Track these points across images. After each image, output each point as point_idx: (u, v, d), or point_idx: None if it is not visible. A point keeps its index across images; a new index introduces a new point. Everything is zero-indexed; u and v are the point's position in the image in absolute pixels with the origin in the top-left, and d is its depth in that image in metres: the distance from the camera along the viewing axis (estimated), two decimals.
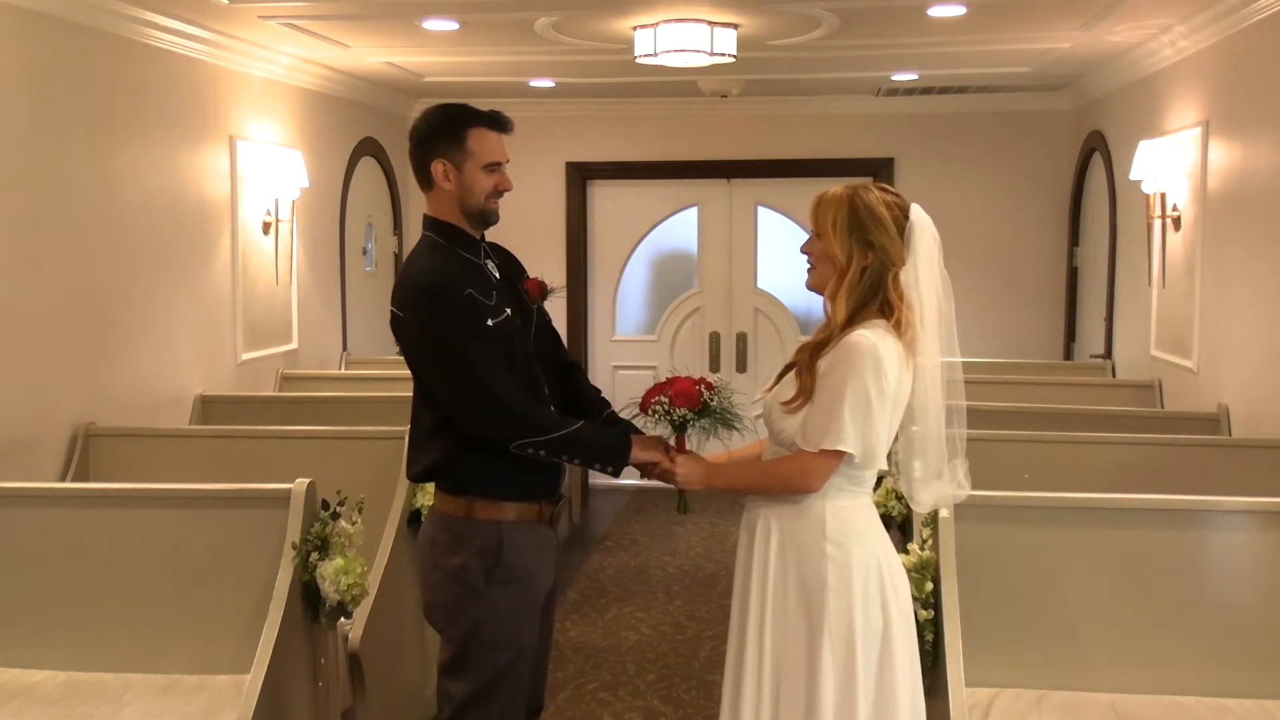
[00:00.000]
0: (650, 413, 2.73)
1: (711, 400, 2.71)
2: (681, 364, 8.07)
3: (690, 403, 2.69)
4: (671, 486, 2.75)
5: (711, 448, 2.82)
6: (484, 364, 2.65)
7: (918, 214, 2.61)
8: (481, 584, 2.72)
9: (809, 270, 2.67)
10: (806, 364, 2.58)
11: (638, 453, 2.73)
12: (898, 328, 2.54)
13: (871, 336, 2.50)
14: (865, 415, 2.49)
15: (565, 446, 2.69)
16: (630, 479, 2.77)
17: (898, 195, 2.64)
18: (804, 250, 2.68)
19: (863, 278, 2.57)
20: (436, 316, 2.66)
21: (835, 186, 2.63)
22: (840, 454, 2.51)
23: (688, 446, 2.75)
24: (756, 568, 2.64)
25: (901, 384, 2.55)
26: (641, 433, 2.83)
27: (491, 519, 2.74)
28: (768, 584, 2.61)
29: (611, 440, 2.75)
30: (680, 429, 2.72)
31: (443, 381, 2.70)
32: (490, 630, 2.73)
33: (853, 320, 2.55)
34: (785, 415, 2.59)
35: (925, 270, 2.58)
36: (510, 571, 2.74)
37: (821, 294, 2.66)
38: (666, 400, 2.71)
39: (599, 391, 3.04)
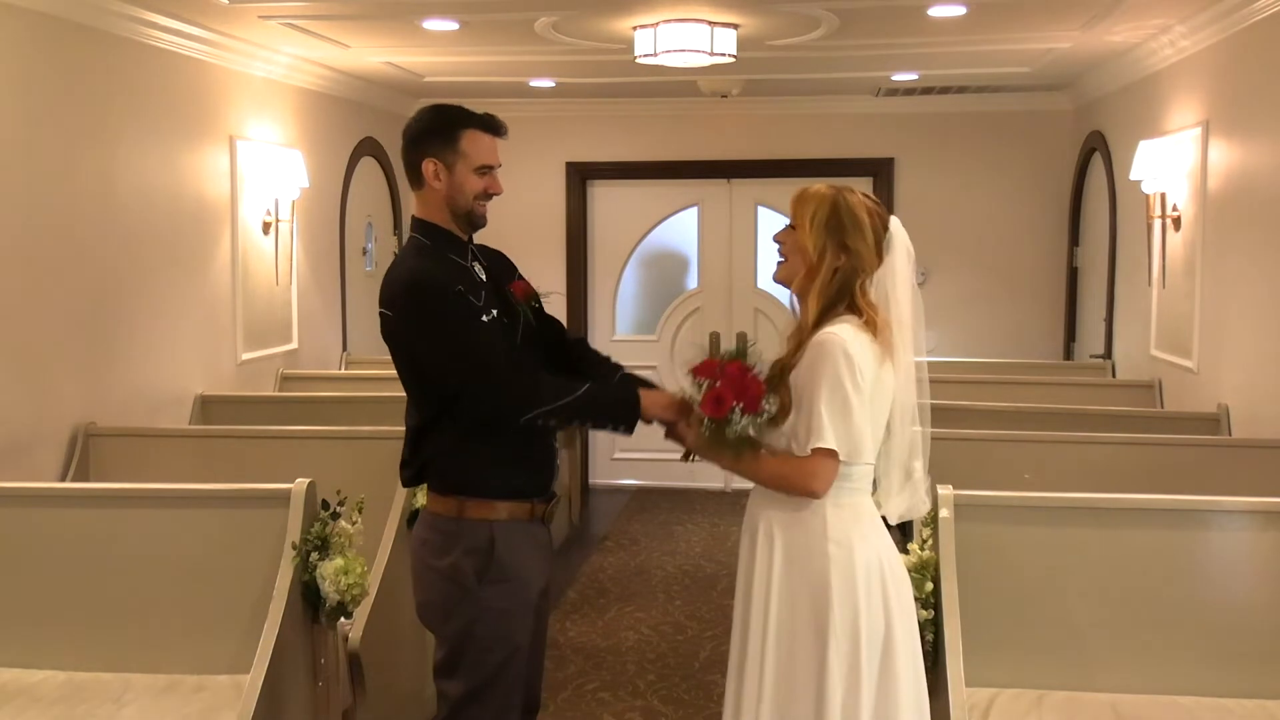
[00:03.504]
0: (694, 383, 2.64)
1: (736, 422, 2.57)
2: (682, 364, 8.06)
3: (715, 411, 2.57)
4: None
5: None
6: (481, 344, 2.65)
7: (896, 226, 2.62)
8: (474, 583, 2.72)
9: (780, 263, 2.66)
10: (779, 380, 2.59)
11: (656, 409, 2.72)
12: (870, 327, 2.54)
13: (840, 333, 2.51)
14: (843, 411, 2.48)
15: (576, 411, 2.69)
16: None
17: (879, 204, 2.65)
18: (777, 239, 2.66)
19: (833, 279, 2.57)
20: (426, 309, 2.66)
21: (820, 184, 2.62)
22: (833, 452, 2.50)
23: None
24: (759, 572, 2.63)
25: (881, 380, 2.55)
26: (655, 387, 2.82)
27: (483, 518, 2.74)
28: (771, 588, 2.60)
29: (622, 397, 2.74)
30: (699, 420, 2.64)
31: (442, 370, 2.68)
32: (483, 629, 2.73)
33: (821, 320, 2.56)
34: (772, 430, 2.60)
35: (902, 284, 2.59)
36: (502, 571, 2.74)
37: (788, 287, 2.66)
38: (702, 388, 2.60)
39: (609, 358, 3.01)
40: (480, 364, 2.65)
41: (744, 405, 2.55)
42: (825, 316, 2.56)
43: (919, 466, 2.70)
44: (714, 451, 2.63)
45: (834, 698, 2.51)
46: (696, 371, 2.64)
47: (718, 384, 2.57)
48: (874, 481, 2.68)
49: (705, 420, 2.59)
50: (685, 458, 2.80)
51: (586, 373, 2.90)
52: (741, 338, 2.74)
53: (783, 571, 2.60)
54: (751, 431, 2.58)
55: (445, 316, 2.65)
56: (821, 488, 2.53)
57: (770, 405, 2.57)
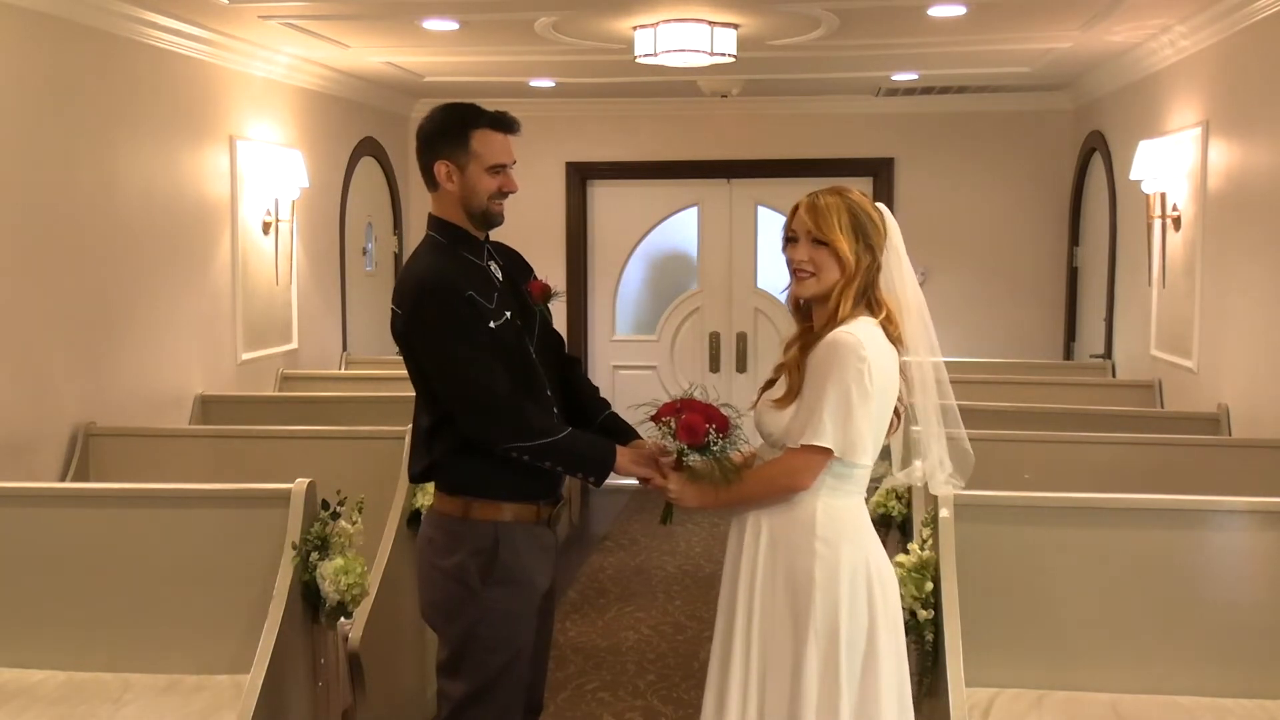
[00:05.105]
0: (658, 427, 2.68)
1: (714, 444, 2.61)
2: (681, 364, 8.07)
3: (692, 439, 2.61)
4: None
5: None
6: (479, 365, 2.65)
7: (889, 213, 2.65)
8: (478, 584, 2.72)
9: (809, 278, 2.58)
10: (795, 362, 2.60)
11: (629, 466, 2.73)
12: (887, 323, 2.57)
13: (855, 332, 2.51)
14: (845, 412, 2.49)
15: (548, 453, 2.68)
16: (631, 479, 2.76)
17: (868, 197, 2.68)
18: (801, 259, 2.58)
19: (865, 278, 2.58)
20: (436, 316, 2.67)
21: (822, 193, 2.59)
22: (825, 450, 2.51)
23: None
24: (745, 565, 2.64)
25: (892, 379, 2.56)
26: (637, 435, 2.83)
27: (488, 519, 2.74)
28: (756, 581, 2.61)
29: (595, 452, 2.74)
30: (678, 456, 2.67)
31: (440, 381, 2.71)
32: (487, 630, 2.73)
33: (846, 318, 2.55)
34: (774, 412, 2.60)
35: (906, 270, 2.63)
36: (506, 572, 2.74)
37: (817, 302, 2.61)
38: (673, 426, 2.64)
39: (597, 390, 3.04)
40: (471, 386, 2.65)
41: (717, 426, 2.60)
42: (849, 315, 2.55)
43: (918, 464, 2.71)
44: (697, 487, 2.65)
45: (809, 695, 2.51)
46: (659, 415, 2.67)
47: (684, 416, 2.61)
48: (881, 479, 2.70)
49: (685, 450, 2.62)
50: (664, 519, 2.83)
51: (573, 402, 2.91)
52: (691, 386, 2.81)
53: (768, 565, 2.60)
54: (730, 453, 2.61)
55: (449, 329, 2.65)
56: (808, 481, 2.54)
57: (739, 431, 2.62)
